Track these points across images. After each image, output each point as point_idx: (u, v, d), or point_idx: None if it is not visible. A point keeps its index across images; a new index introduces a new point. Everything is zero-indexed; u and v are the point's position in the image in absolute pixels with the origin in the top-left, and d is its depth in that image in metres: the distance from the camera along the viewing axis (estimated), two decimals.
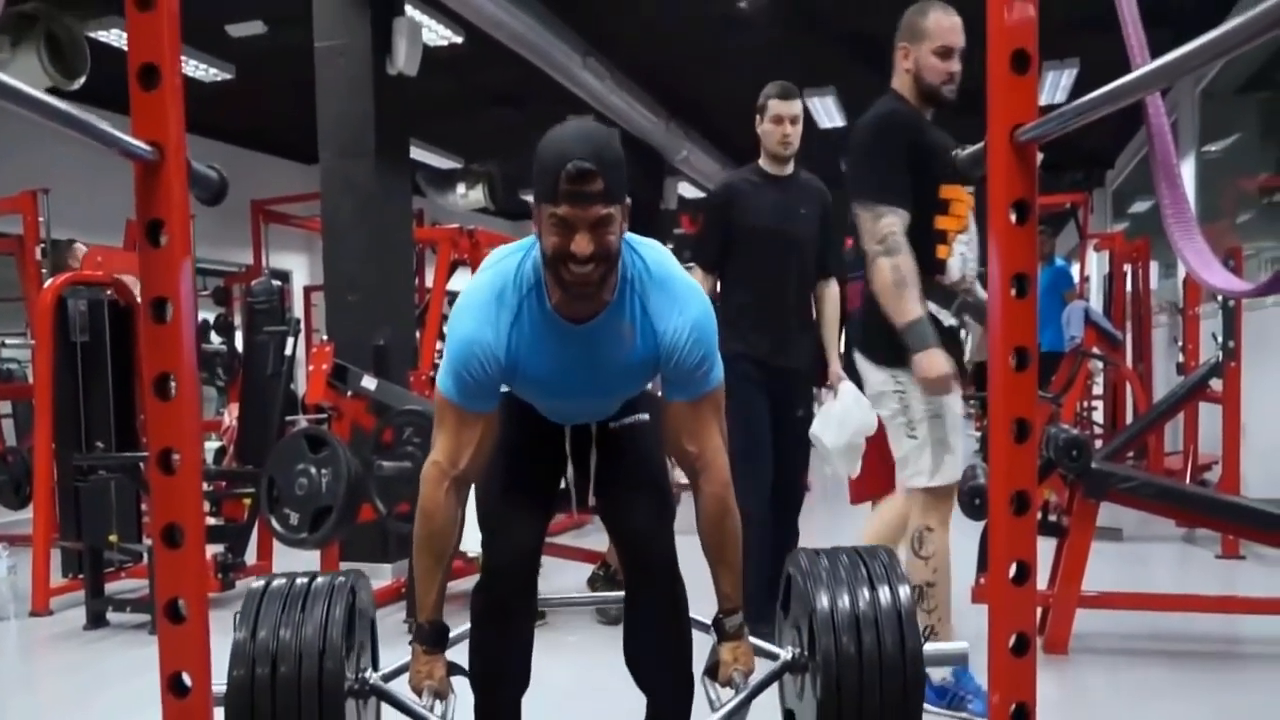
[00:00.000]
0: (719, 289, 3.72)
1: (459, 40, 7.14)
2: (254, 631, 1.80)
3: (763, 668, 2.06)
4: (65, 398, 4.63)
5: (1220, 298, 5.43)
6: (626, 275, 1.93)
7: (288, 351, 4.72)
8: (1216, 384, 5.33)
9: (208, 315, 8.55)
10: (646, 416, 2.22)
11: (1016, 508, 1.37)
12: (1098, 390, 9.31)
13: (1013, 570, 1.37)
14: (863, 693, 1.78)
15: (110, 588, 4.44)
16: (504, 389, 2.05)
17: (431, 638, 2.03)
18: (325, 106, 5.35)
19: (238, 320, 8.10)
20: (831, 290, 3.87)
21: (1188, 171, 8.91)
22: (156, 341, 1.27)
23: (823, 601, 1.86)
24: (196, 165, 1.33)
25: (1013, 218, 1.33)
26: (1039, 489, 3.80)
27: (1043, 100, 8.91)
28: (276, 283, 5.19)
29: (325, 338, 5.08)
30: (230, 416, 6.09)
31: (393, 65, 5.39)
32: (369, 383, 4.38)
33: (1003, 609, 1.38)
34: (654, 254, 1.98)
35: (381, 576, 4.79)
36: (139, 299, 4.61)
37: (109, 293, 4.77)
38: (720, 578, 2.05)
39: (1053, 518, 3.69)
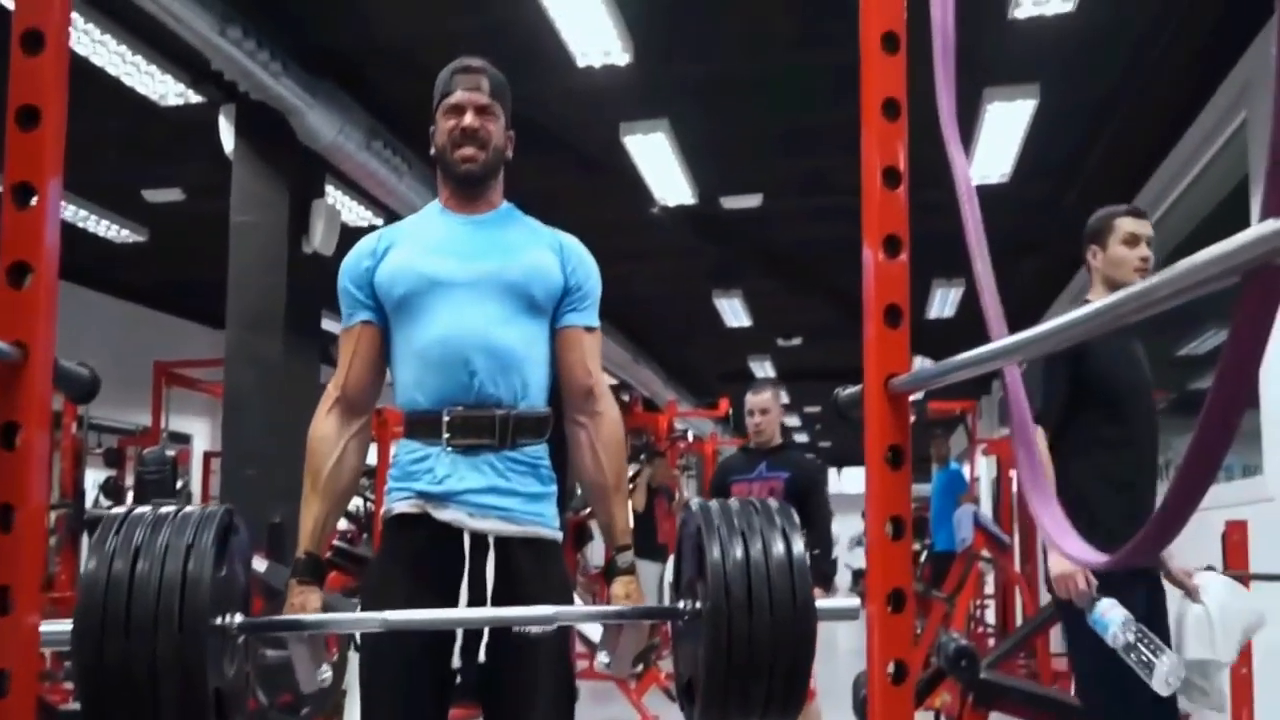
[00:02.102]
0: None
1: (379, 222, 7.35)
2: (109, 561, 1.51)
3: None
4: None
5: None
6: (515, 209, 2.07)
7: None
8: None
9: (97, 476, 8.29)
10: (555, 629, 1.93)
11: (895, 676, 1.38)
12: (989, 590, 9.52)
13: None
14: (753, 645, 1.61)
15: None
16: (400, 499, 1.91)
17: (305, 568, 1.91)
18: (237, 279, 5.42)
19: (129, 481, 7.86)
20: None
21: None
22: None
23: (714, 550, 1.71)
24: (65, 364, 1.28)
25: (888, 462, 1.41)
26: (934, 693, 3.87)
27: (932, 314, 9.46)
28: (170, 452, 5.12)
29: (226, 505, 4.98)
30: None
31: (309, 244, 5.53)
32: (258, 564, 4.28)
33: None
34: None
35: None
36: None
37: None
38: (615, 508, 2.00)
39: None
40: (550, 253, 2.00)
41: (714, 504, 1.80)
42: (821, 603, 1.66)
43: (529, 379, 1.93)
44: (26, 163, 1.23)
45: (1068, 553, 1.14)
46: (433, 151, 2.02)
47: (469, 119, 1.95)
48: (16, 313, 1.19)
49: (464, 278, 1.91)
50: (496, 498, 1.88)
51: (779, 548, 1.68)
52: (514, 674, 1.90)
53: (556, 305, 1.99)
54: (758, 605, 1.61)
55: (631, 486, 8.37)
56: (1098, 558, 1.09)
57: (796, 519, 1.76)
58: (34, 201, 1.21)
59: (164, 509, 1.58)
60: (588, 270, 2.04)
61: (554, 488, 1.98)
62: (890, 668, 1.39)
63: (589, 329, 2.02)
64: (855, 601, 1.76)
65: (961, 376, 1.27)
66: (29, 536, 1.21)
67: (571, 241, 2.06)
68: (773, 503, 1.82)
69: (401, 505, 1.91)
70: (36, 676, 1.22)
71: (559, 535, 1.99)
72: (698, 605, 1.73)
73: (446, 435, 1.87)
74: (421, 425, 1.91)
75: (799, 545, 1.68)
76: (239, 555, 1.68)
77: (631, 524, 2.06)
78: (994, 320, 1.29)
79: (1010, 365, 1.31)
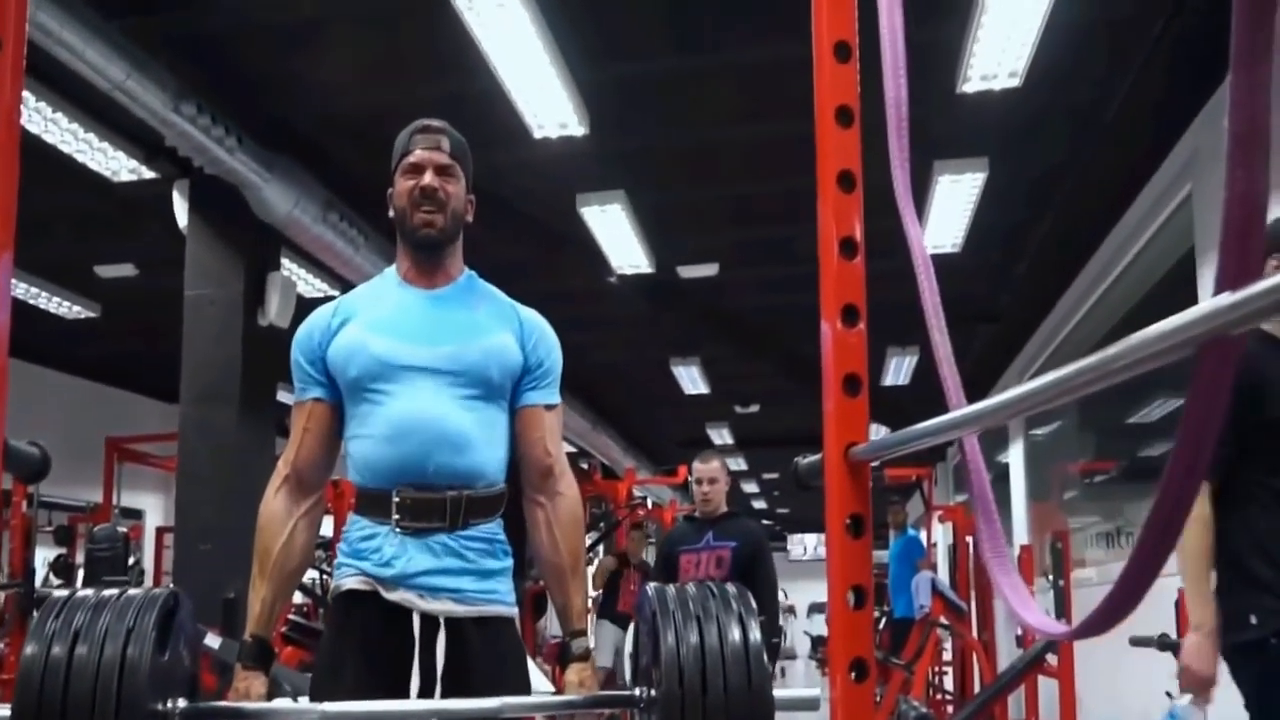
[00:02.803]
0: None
1: (335, 294, 7.32)
2: (47, 646, 1.49)
3: None
4: None
5: (1049, 576, 5.73)
6: (475, 278, 2.02)
7: None
8: (1052, 659, 5.52)
9: (47, 554, 8.07)
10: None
11: None
12: (947, 656, 9.49)
13: None
14: None
15: None
16: (347, 576, 1.88)
17: (253, 653, 1.90)
18: (191, 353, 5.36)
19: (80, 559, 7.66)
20: None
21: (1016, 454, 9.54)
22: None
23: (669, 637, 1.68)
24: (14, 443, 1.28)
25: (848, 531, 1.41)
26: None
27: (888, 381, 9.54)
28: (122, 529, 5.01)
29: (172, 586, 4.87)
30: None
31: (264, 317, 5.49)
32: (213, 640, 4.17)
33: None
34: None
35: None
36: None
37: None
38: (571, 592, 1.97)
39: None
40: (509, 332, 1.95)
41: (670, 588, 1.78)
42: (780, 691, 1.64)
43: (484, 461, 1.90)
44: None
45: (1027, 622, 1.14)
46: (391, 213, 1.97)
47: (428, 178, 1.91)
48: None
49: (419, 362, 1.87)
50: (447, 579, 1.85)
51: (735, 634, 1.65)
52: None
53: (516, 383, 1.95)
54: (713, 693, 1.58)
55: (591, 556, 8.28)
56: (1059, 629, 1.10)
57: (753, 603, 1.74)
58: None
59: (106, 592, 1.55)
60: (548, 347, 2.00)
61: (509, 562, 1.95)
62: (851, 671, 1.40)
63: (549, 406, 1.99)
64: (815, 691, 1.74)
65: (921, 445, 1.27)
66: None
67: (531, 317, 2.01)
68: (730, 587, 1.79)
69: (351, 582, 1.87)
70: None
71: (514, 611, 1.96)
72: (653, 692, 1.70)
73: (396, 516, 1.84)
74: (372, 504, 1.87)
75: (755, 632, 1.66)
76: (185, 638, 1.64)
77: (589, 600, 2.03)
78: (952, 390, 1.29)
79: (969, 435, 1.30)
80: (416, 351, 1.87)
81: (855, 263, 1.48)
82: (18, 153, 1.27)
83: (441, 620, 1.84)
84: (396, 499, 1.84)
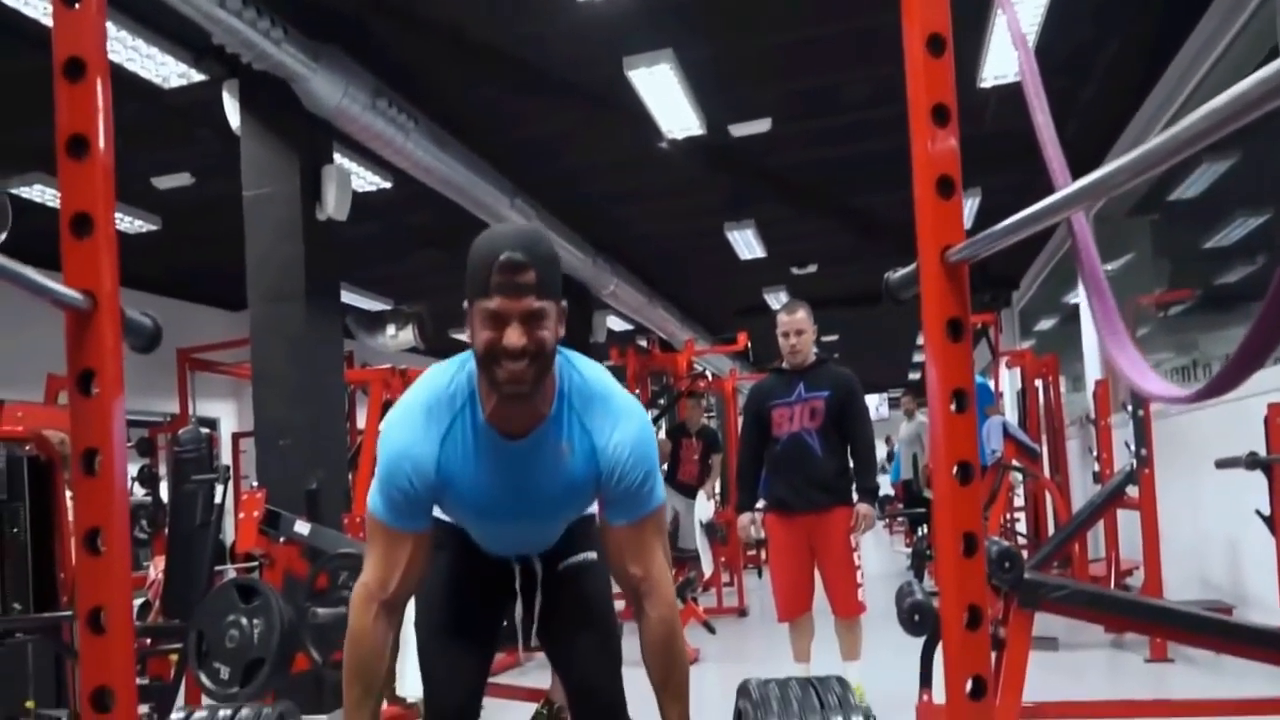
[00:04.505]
0: None
1: (388, 185, 7.30)
2: None
3: None
4: None
5: (1129, 407, 5.68)
6: (564, 390, 1.87)
7: (217, 500, 4.66)
8: (1133, 491, 5.51)
9: (131, 468, 8.35)
10: (595, 555, 2.10)
11: (969, 622, 1.34)
12: (1019, 502, 9.53)
13: (969, 685, 1.33)
14: None
15: None
16: (439, 515, 2.01)
17: None
18: (254, 253, 5.41)
19: (163, 471, 7.92)
20: None
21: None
22: (88, 495, 1.22)
23: None
24: (130, 312, 1.29)
25: (948, 335, 1.38)
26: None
27: None
28: (204, 430, 5.14)
29: (255, 484, 5.03)
30: (155, 570, 5.91)
31: (322, 211, 5.50)
32: (302, 528, 4.33)
33: None
34: (592, 370, 1.94)
35: None
36: (63, 452, 4.55)
37: (29, 448, 4.67)
38: (667, 708, 1.95)
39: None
40: (591, 481, 1.90)
41: (772, 689, 1.84)
42: None
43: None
44: (79, 117, 1.24)
45: (1148, 390, 1.11)
46: (467, 336, 1.80)
47: (514, 338, 1.71)
48: (83, 262, 1.22)
49: (512, 520, 1.98)
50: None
51: None
52: (569, 594, 2.10)
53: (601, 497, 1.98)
54: None
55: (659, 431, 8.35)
56: (1178, 392, 1.09)
57: (855, 701, 1.78)
58: (89, 153, 1.23)
59: (221, 713, 1.78)
60: (625, 477, 1.88)
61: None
62: (960, 543, 1.36)
63: (632, 524, 1.94)
64: None
65: (1030, 231, 1.23)
66: (113, 486, 1.23)
67: (612, 456, 1.87)
68: (834, 684, 1.84)
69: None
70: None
71: (592, 509, 2.13)
72: None
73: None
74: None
75: None
76: None
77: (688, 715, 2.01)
78: (1058, 170, 1.26)
79: (1077, 214, 1.25)
80: (509, 515, 1.97)
81: (944, 59, 1.42)
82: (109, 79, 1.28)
83: (537, 565, 2.11)
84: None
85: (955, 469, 1.37)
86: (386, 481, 1.86)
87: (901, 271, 1.58)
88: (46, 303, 1.16)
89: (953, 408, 1.39)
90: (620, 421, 1.88)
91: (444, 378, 1.89)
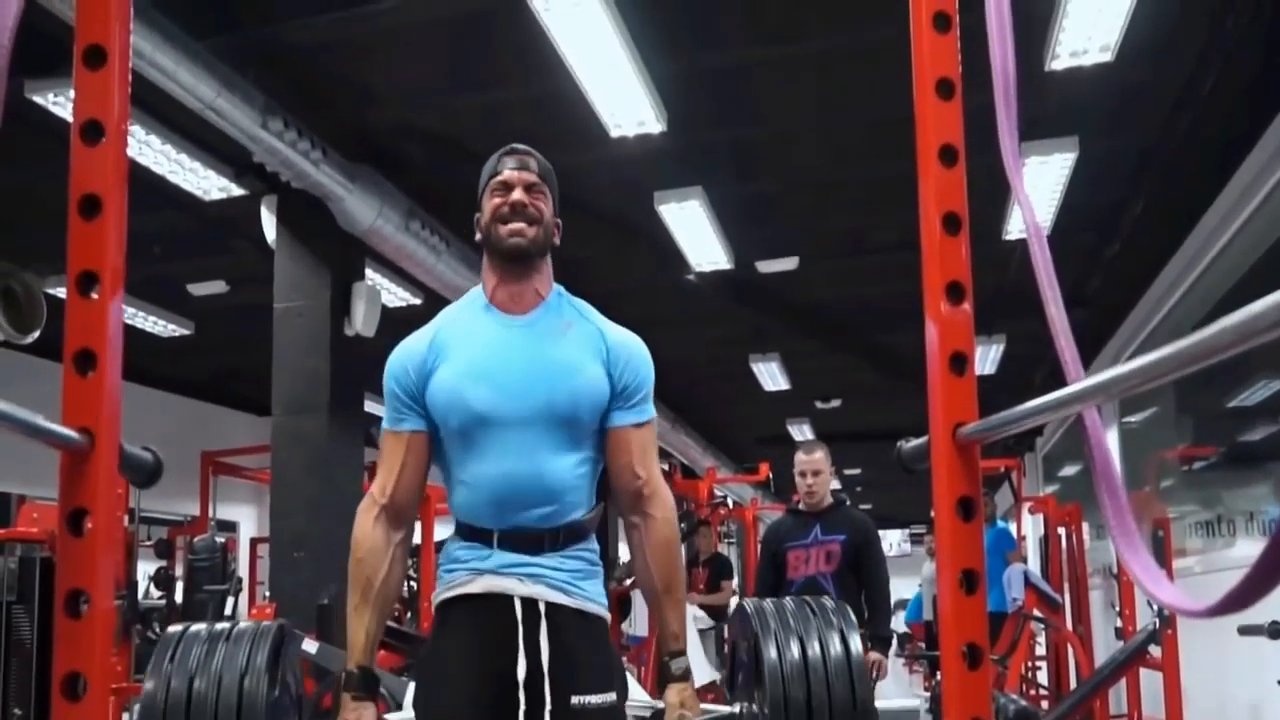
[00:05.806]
0: None
1: (418, 302, 7.42)
2: (166, 683, 1.60)
3: None
4: None
5: None
6: (561, 293, 2.04)
7: (227, 610, 4.62)
8: (1156, 650, 5.36)
9: (148, 567, 8.32)
10: (614, 697, 1.95)
11: (970, 662, 1.35)
12: (1040, 651, 9.27)
13: None
14: None
15: None
16: (441, 593, 1.95)
17: (360, 683, 1.90)
18: (281, 364, 5.48)
19: (179, 571, 7.89)
20: None
21: (1110, 442, 9.27)
22: (71, 640, 1.17)
23: (770, 652, 1.73)
24: (129, 448, 1.27)
25: (958, 514, 1.37)
26: None
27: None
28: (220, 539, 5.14)
29: (268, 595, 4.98)
30: None
31: (350, 326, 5.58)
32: (309, 646, 4.26)
33: None
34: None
35: None
36: None
37: (43, 550, 4.67)
38: (667, 612, 2.00)
39: None
40: (597, 361, 1.97)
41: (768, 604, 1.78)
42: (881, 704, 1.63)
43: (578, 502, 1.97)
44: (89, 252, 1.25)
45: (1163, 600, 1.08)
46: (478, 236, 2.01)
47: (518, 194, 1.95)
48: (83, 400, 1.20)
49: (515, 416, 1.91)
50: (544, 570, 1.92)
51: (837, 649, 1.65)
52: None
53: (605, 409, 1.99)
54: (817, 707, 1.57)
55: None
56: (1191, 606, 1.04)
57: (853, 618, 1.75)
58: (97, 291, 1.23)
59: (219, 626, 1.67)
60: (635, 368, 2.00)
61: (600, 569, 2.02)
62: (961, 583, 1.35)
63: (638, 425, 2.00)
64: (915, 702, 1.76)
65: (1039, 421, 1.24)
66: (100, 623, 1.19)
67: (619, 340, 2.01)
68: (828, 602, 1.78)
69: (450, 591, 1.95)
70: None
71: (606, 615, 2.01)
72: (754, 708, 1.68)
73: (497, 546, 1.94)
74: (474, 534, 1.97)
75: (857, 646, 1.64)
76: (291, 669, 1.69)
77: (686, 624, 2.04)
78: (1070, 362, 1.25)
79: (1089, 408, 1.26)
80: (512, 405, 1.91)
81: (959, 238, 1.44)
82: (126, 164, 1.31)
83: (542, 606, 1.89)
84: (497, 533, 1.94)
85: (963, 655, 1.35)
86: (387, 378, 1.99)
87: (914, 443, 1.57)
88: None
89: (963, 591, 1.37)
90: (622, 329, 2.05)
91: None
